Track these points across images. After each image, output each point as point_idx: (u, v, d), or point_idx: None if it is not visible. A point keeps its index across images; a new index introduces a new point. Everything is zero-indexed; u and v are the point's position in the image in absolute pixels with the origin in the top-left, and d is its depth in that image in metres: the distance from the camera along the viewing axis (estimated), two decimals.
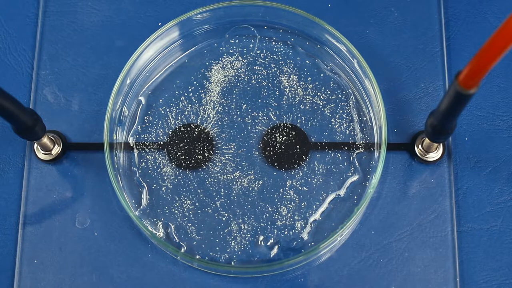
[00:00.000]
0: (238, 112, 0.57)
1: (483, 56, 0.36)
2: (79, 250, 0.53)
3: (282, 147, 0.55)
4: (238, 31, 0.59)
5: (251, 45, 0.58)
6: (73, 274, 0.53)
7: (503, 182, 0.55)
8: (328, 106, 0.57)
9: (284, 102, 0.57)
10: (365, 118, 0.56)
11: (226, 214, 0.54)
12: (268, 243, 0.53)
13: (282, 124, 0.56)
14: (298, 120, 0.56)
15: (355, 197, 0.54)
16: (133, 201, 0.55)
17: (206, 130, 0.56)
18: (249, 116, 0.56)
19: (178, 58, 0.58)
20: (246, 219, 0.54)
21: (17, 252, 0.53)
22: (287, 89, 0.57)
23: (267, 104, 0.57)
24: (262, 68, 0.58)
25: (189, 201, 0.54)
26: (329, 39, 0.57)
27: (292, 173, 0.55)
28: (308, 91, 0.57)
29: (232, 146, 0.56)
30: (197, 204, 0.54)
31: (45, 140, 0.53)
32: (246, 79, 0.57)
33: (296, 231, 0.54)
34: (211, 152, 0.55)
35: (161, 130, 0.56)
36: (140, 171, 0.55)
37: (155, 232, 0.54)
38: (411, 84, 0.57)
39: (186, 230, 0.54)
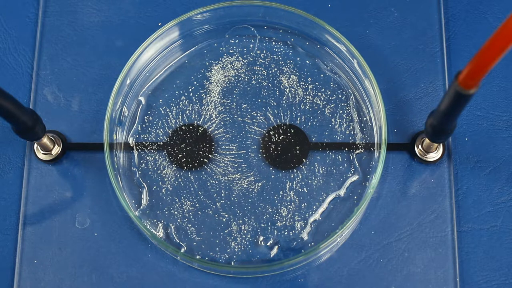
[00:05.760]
0: (239, 112, 0.57)
1: (483, 56, 0.36)
2: (79, 250, 0.53)
3: (279, 147, 0.55)
4: (238, 31, 0.59)
5: (251, 45, 0.58)
6: (73, 274, 0.53)
7: (503, 182, 0.55)
8: (328, 106, 0.57)
9: (284, 102, 0.57)
10: (365, 118, 0.56)
11: (226, 215, 0.54)
12: (268, 244, 0.53)
13: (282, 125, 0.56)
14: (298, 120, 0.56)
15: (355, 197, 0.54)
16: (133, 201, 0.55)
17: (206, 131, 0.56)
18: (249, 116, 0.56)
19: (178, 58, 0.58)
20: (246, 219, 0.54)
21: (17, 252, 0.53)
22: (287, 89, 0.57)
23: (267, 105, 0.57)
24: (262, 68, 0.58)
25: (189, 202, 0.54)
26: (329, 39, 0.57)
27: (292, 173, 0.55)
28: (308, 91, 0.57)
29: (232, 147, 0.56)
30: (197, 205, 0.54)
31: (45, 140, 0.53)
32: (246, 79, 0.57)
33: (296, 232, 0.54)
34: (211, 153, 0.55)
35: (161, 130, 0.56)
36: (140, 172, 0.55)
37: (155, 232, 0.54)
38: (411, 84, 0.57)
39: (186, 230, 0.54)
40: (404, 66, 0.58)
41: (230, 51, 0.58)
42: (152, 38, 0.56)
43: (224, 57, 0.58)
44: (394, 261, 0.53)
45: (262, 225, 0.54)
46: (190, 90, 0.57)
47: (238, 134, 0.56)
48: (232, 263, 0.53)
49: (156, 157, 0.56)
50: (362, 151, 0.55)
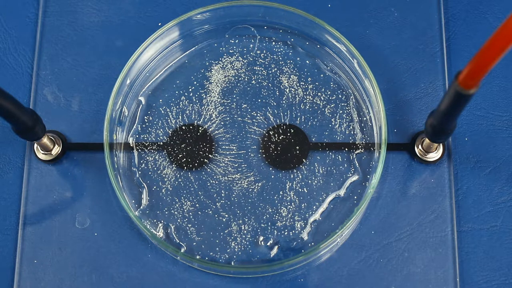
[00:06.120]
0: (239, 112, 0.57)
1: (483, 56, 0.36)
2: (79, 250, 0.53)
3: (279, 147, 0.55)
4: (238, 31, 0.59)
5: (251, 45, 0.58)
6: (73, 274, 0.53)
7: (503, 182, 0.55)
8: (328, 106, 0.57)
9: (284, 102, 0.57)
10: (365, 118, 0.56)
11: (226, 215, 0.54)
12: (268, 244, 0.53)
13: (282, 125, 0.56)
14: (298, 120, 0.56)
15: (355, 197, 0.54)
16: (133, 201, 0.55)
17: (206, 131, 0.56)
18: (249, 116, 0.56)
19: (178, 58, 0.58)
20: (246, 219, 0.54)
21: (17, 252, 0.53)
22: (287, 89, 0.57)
23: (267, 105, 0.57)
24: (262, 68, 0.58)
25: (189, 202, 0.54)
26: (329, 39, 0.57)
27: (292, 173, 0.55)
28: (308, 91, 0.57)
29: (232, 147, 0.56)
30: (197, 205, 0.54)
31: (45, 140, 0.53)
32: (246, 79, 0.57)
33: (296, 232, 0.54)
34: (211, 153, 0.55)
35: (161, 130, 0.56)
36: (140, 172, 0.55)
37: (155, 232, 0.54)
38: (411, 84, 0.57)
39: (186, 230, 0.54)
40: (404, 66, 0.58)
41: (230, 51, 0.58)
42: (152, 38, 0.56)
43: (224, 57, 0.58)
44: (394, 261, 0.53)
45: (262, 225, 0.54)
46: (190, 90, 0.57)
47: (238, 134, 0.56)
48: (232, 263, 0.53)
49: (156, 157, 0.56)
50: (362, 151, 0.55)
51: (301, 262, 0.52)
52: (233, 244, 0.53)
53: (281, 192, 0.54)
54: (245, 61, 0.58)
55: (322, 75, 0.57)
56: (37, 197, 0.55)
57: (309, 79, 0.57)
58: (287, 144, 0.56)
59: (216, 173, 0.55)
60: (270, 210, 0.54)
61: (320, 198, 0.54)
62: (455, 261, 0.53)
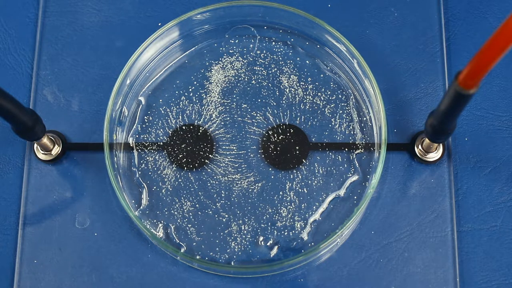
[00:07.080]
0: (239, 112, 0.57)
1: (483, 56, 0.36)
2: (79, 250, 0.53)
3: (279, 147, 0.55)
4: (238, 31, 0.59)
5: (251, 45, 0.58)
6: (73, 274, 0.53)
7: (503, 182, 0.55)
8: (328, 106, 0.57)
9: (284, 102, 0.57)
10: (365, 118, 0.56)
11: (226, 215, 0.54)
12: (268, 244, 0.53)
13: (282, 125, 0.56)
14: (298, 120, 0.56)
15: (355, 197, 0.54)
16: (133, 201, 0.55)
17: (206, 131, 0.56)
18: (249, 116, 0.56)
19: (178, 58, 0.58)
20: (246, 220, 0.54)
21: (17, 252, 0.53)
22: (287, 89, 0.57)
23: (267, 105, 0.57)
24: (262, 69, 0.58)
25: (189, 202, 0.54)
26: (329, 39, 0.57)
27: (292, 173, 0.55)
28: (308, 91, 0.57)
29: (232, 147, 0.56)
30: (197, 205, 0.54)
31: (45, 140, 0.53)
32: (246, 79, 0.57)
33: (296, 232, 0.54)
34: (212, 153, 0.55)
35: (161, 130, 0.56)
36: (140, 172, 0.55)
37: (155, 232, 0.54)
38: (411, 84, 0.57)
39: (186, 230, 0.54)
40: (404, 66, 0.58)
41: (230, 51, 0.58)
42: (152, 38, 0.56)
43: (224, 57, 0.58)
44: (394, 261, 0.53)
45: (262, 225, 0.54)
46: (190, 90, 0.57)
47: (238, 134, 0.56)
48: (232, 263, 0.53)
49: (156, 157, 0.56)
50: (362, 151, 0.55)
51: (301, 262, 0.52)
52: (233, 244, 0.53)
53: (281, 192, 0.54)
54: (245, 61, 0.58)
55: (322, 75, 0.57)
56: (37, 197, 0.55)
57: (309, 79, 0.57)
58: (287, 144, 0.56)
59: (216, 173, 0.55)
60: (270, 210, 0.54)
61: (320, 198, 0.54)
62: (455, 261, 0.53)
